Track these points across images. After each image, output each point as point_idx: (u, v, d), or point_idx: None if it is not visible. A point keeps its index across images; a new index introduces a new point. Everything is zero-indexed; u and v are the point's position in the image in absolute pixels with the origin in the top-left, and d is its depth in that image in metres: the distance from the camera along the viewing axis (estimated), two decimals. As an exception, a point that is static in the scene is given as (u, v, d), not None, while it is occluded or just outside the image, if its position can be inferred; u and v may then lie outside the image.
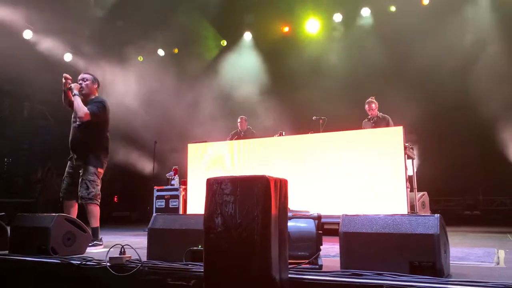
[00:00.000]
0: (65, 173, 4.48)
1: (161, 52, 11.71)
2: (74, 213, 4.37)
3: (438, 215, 2.36)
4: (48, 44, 9.80)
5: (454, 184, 8.82)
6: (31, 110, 11.88)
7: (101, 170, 4.40)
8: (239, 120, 8.19)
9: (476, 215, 8.94)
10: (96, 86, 4.57)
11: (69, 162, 4.48)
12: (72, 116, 4.45)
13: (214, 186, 2.29)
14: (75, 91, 4.29)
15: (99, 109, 4.35)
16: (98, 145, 4.41)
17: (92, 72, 4.70)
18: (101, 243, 4.21)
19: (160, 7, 9.95)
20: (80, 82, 4.45)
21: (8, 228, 3.77)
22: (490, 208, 9.07)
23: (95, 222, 4.26)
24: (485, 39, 8.22)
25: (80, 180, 4.28)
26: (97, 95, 4.57)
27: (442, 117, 8.44)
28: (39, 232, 3.43)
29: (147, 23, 10.33)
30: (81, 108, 4.24)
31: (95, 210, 4.28)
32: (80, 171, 4.33)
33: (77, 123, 4.34)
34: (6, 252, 3.55)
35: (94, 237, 4.10)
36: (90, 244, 3.87)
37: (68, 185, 4.40)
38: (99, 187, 4.34)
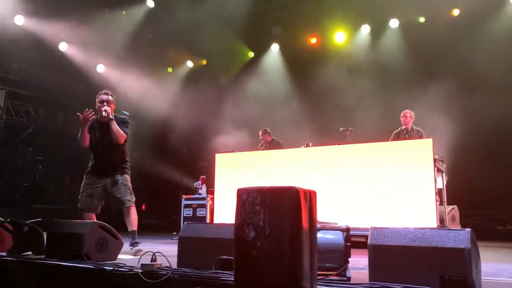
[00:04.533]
0: (85, 187, 4.71)
1: (190, 64, 11.95)
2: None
3: (469, 229, 2.34)
4: (82, 56, 10.15)
5: (485, 198, 8.58)
6: (64, 119, 12.27)
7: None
8: (260, 133, 7.96)
9: (508, 230, 8.65)
10: (115, 105, 4.80)
11: (91, 177, 4.72)
12: (98, 135, 4.69)
13: (244, 196, 2.34)
14: (111, 116, 4.60)
15: (128, 128, 4.76)
16: (127, 156, 4.85)
17: (109, 92, 4.83)
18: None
19: (189, 19, 10.17)
20: (105, 104, 4.66)
21: (44, 234, 3.91)
22: (524, 223, 8.77)
23: (136, 225, 4.62)
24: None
25: (121, 187, 4.61)
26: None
27: (473, 128, 8.26)
28: (73, 238, 3.54)
29: (176, 36, 10.57)
30: (121, 133, 4.61)
31: (136, 212, 4.66)
32: (108, 183, 4.65)
33: (110, 141, 4.63)
34: (43, 256, 3.68)
35: (135, 239, 4.49)
36: (135, 247, 4.30)
37: (88, 198, 4.66)
38: None
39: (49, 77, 10.33)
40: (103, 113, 4.57)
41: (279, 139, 8.25)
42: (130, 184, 4.71)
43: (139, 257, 3.04)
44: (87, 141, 4.65)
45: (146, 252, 3.17)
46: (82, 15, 9.22)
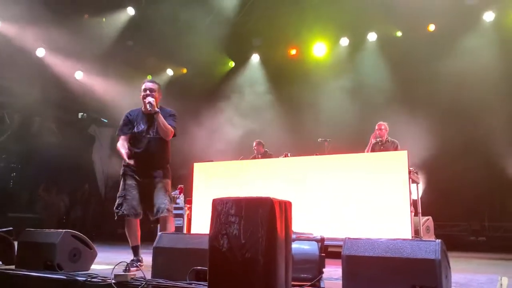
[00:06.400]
0: (128, 188, 4.14)
1: (170, 72, 11.92)
2: (139, 233, 4.21)
3: (440, 240, 2.39)
4: (60, 62, 10.01)
5: (459, 210, 8.77)
6: (40, 125, 12.05)
7: None
8: (254, 144, 8.16)
9: (481, 241, 8.85)
10: (161, 95, 4.29)
11: (132, 176, 4.17)
12: (143, 128, 4.19)
13: (219, 207, 2.35)
14: (157, 108, 4.08)
15: (177, 123, 4.24)
16: (170, 157, 4.34)
17: (155, 81, 4.37)
18: None
19: (169, 28, 10.16)
20: (148, 92, 4.14)
21: (15, 243, 3.82)
22: (496, 234, 8.98)
23: None
24: (489, 65, 8.29)
25: (161, 192, 4.10)
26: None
27: (447, 141, 8.46)
28: (45, 247, 3.47)
29: (157, 44, 10.54)
30: (168, 127, 4.10)
31: (173, 224, 4.20)
32: (147, 184, 4.13)
33: (156, 136, 4.16)
34: (13, 267, 3.59)
35: None
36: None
37: (133, 201, 4.10)
38: None
39: (25, 83, 10.15)
40: (147, 105, 4.03)
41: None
42: (170, 190, 4.22)
43: (113, 267, 3.00)
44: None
45: (120, 263, 3.13)
46: (61, 21, 9.11)
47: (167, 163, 4.28)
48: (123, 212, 4.05)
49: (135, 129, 4.18)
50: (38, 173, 11.69)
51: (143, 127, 4.18)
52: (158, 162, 4.20)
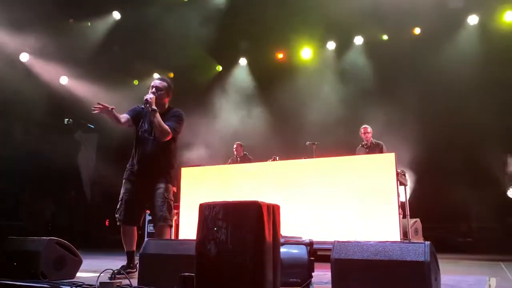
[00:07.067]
0: (126, 193, 3.98)
1: (156, 76, 11.81)
2: (135, 239, 4.03)
3: (429, 242, 2.38)
4: (44, 67, 9.88)
5: (447, 211, 8.83)
6: (24, 131, 11.87)
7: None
8: (234, 146, 8.19)
9: (469, 242, 8.92)
10: (170, 95, 4.12)
11: (132, 180, 4.00)
12: (146, 128, 4.03)
13: (206, 212, 2.31)
14: (154, 106, 3.84)
15: (180, 125, 4.05)
16: (175, 161, 4.12)
17: (165, 78, 4.18)
18: None
19: (156, 32, 10.11)
20: (153, 90, 3.97)
21: (-2, 252, 3.73)
22: (483, 235, 9.05)
23: None
24: (474, 67, 8.38)
25: (160, 199, 3.87)
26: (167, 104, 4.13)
27: (435, 143, 8.53)
28: (29, 256, 3.40)
29: (143, 48, 10.46)
30: (164, 128, 3.86)
31: (169, 235, 3.99)
32: (148, 189, 3.92)
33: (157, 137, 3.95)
34: (-5, 276, 3.50)
35: None
36: None
37: (129, 207, 3.93)
38: None
39: (9, 88, 9.99)
40: (144, 101, 3.80)
41: (249, 153, 8.28)
42: (172, 197, 3.95)
43: (98, 274, 2.94)
44: (119, 123, 3.90)
45: (106, 270, 3.07)
46: (45, 26, 8.99)
47: (171, 168, 4.05)
48: (119, 218, 3.93)
49: (139, 128, 4.03)
50: (23, 180, 11.50)
51: (147, 127, 4.01)
52: (161, 165, 3.99)
